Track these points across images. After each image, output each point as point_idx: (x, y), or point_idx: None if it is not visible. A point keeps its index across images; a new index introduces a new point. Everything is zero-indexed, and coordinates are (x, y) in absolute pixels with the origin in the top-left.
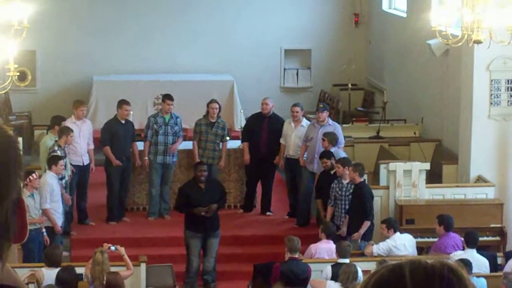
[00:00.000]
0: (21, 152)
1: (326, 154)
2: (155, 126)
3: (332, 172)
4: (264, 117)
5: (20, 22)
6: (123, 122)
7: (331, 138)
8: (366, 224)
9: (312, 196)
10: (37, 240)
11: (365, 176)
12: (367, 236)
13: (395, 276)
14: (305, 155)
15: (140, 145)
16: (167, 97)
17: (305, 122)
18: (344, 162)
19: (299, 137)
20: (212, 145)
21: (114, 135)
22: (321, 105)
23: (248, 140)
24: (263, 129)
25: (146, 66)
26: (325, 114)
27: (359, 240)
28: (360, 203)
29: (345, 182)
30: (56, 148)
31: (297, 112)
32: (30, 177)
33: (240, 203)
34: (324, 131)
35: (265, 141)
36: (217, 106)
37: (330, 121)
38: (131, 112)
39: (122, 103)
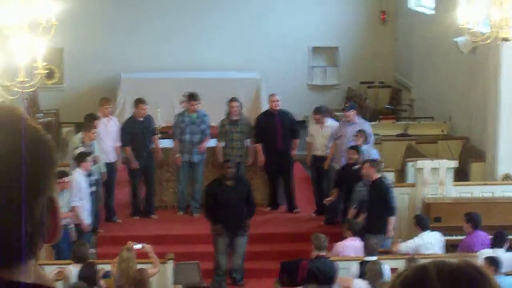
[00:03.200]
0: (54, 151)
1: (356, 149)
2: (181, 124)
3: (354, 168)
4: (275, 113)
5: (48, 20)
6: (141, 119)
7: (365, 135)
8: (391, 220)
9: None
10: (66, 238)
11: (392, 174)
12: (383, 230)
13: (420, 277)
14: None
15: (161, 141)
16: (191, 98)
17: (329, 122)
18: (372, 163)
19: (326, 137)
20: (239, 143)
21: (133, 134)
22: (348, 104)
23: (261, 140)
24: (277, 125)
25: (173, 63)
26: (352, 112)
27: (381, 235)
28: (380, 199)
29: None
30: (80, 145)
31: (318, 118)
32: (65, 178)
33: (267, 201)
34: (355, 129)
35: (281, 137)
36: (237, 104)
37: (360, 120)
38: (159, 110)
39: (139, 102)
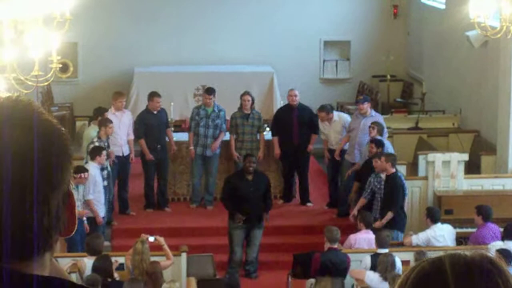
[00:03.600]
0: (69, 144)
1: (377, 142)
2: (197, 117)
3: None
4: (293, 108)
5: (62, 14)
6: (155, 112)
7: (379, 127)
8: (389, 215)
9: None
10: (79, 230)
11: (404, 167)
12: (399, 226)
13: (435, 269)
14: (346, 145)
15: (175, 135)
16: (206, 91)
17: (336, 116)
18: (379, 155)
19: (338, 132)
20: (250, 137)
21: (147, 126)
22: (362, 97)
23: (278, 134)
24: (294, 120)
25: (186, 57)
26: (366, 105)
27: (393, 231)
28: (390, 194)
29: (383, 176)
30: (95, 140)
31: (321, 118)
32: (82, 174)
33: (280, 193)
34: (368, 122)
35: (297, 132)
36: (249, 98)
37: (373, 112)
38: (172, 103)
39: (153, 95)
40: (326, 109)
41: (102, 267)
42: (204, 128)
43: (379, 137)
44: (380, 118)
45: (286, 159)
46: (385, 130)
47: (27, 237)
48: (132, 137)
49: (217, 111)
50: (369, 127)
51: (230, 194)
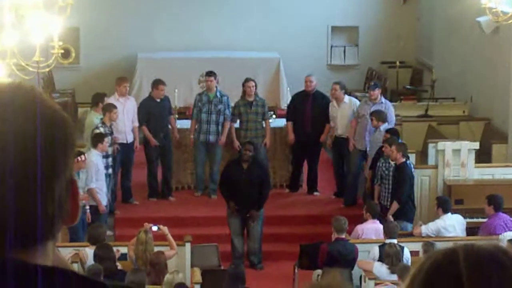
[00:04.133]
0: (73, 131)
1: (393, 131)
2: (199, 104)
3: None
4: (308, 94)
5: None
6: (158, 100)
7: (379, 116)
8: (395, 205)
9: (360, 176)
10: (81, 219)
11: (413, 156)
12: (408, 217)
13: (449, 260)
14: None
15: (180, 122)
16: (207, 74)
17: (347, 98)
18: (391, 142)
19: (346, 116)
20: (254, 125)
21: (150, 113)
22: (372, 83)
23: (292, 119)
24: (307, 107)
25: (190, 43)
26: (377, 91)
27: (402, 222)
28: (398, 184)
29: (392, 162)
30: (100, 125)
31: (334, 90)
32: (79, 158)
33: (286, 182)
34: (373, 109)
35: (310, 119)
36: (253, 84)
37: (383, 99)
38: (176, 90)
39: (158, 83)
40: (341, 84)
41: (103, 256)
42: (207, 114)
43: (379, 126)
44: (389, 105)
45: (297, 146)
46: (391, 118)
47: (31, 225)
48: (136, 124)
49: (219, 96)
50: (370, 118)
51: (225, 180)
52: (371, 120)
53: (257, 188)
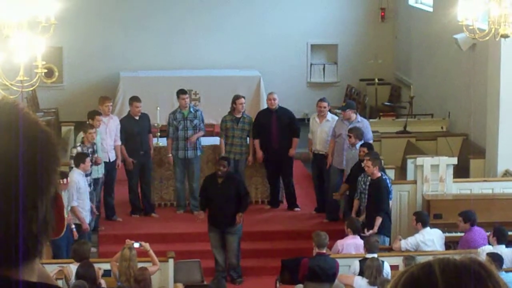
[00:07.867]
0: (58, 148)
1: (368, 145)
2: (174, 122)
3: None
4: (272, 112)
5: (47, 19)
6: (137, 118)
7: (356, 133)
8: (378, 220)
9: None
10: (65, 236)
11: (393, 171)
12: (385, 231)
13: (425, 273)
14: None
15: (162, 140)
16: (180, 92)
17: (330, 116)
18: (374, 161)
19: (326, 132)
20: (239, 141)
21: (129, 132)
22: (345, 103)
23: (258, 137)
24: (273, 124)
25: (172, 61)
26: (348, 112)
27: (379, 236)
28: (376, 198)
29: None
30: (78, 144)
31: (324, 107)
32: (61, 181)
33: (268, 198)
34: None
35: (277, 136)
36: (243, 101)
37: (359, 118)
38: (158, 108)
39: (133, 100)
40: (327, 101)
41: (85, 274)
42: (183, 131)
43: (356, 143)
44: (366, 123)
45: (268, 163)
46: (369, 135)
47: (15, 243)
48: (119, 143)
49: (193, 111)
50: (348, 135)
51: (203, 194)
52: (349, 137)
53: (233, 203)
